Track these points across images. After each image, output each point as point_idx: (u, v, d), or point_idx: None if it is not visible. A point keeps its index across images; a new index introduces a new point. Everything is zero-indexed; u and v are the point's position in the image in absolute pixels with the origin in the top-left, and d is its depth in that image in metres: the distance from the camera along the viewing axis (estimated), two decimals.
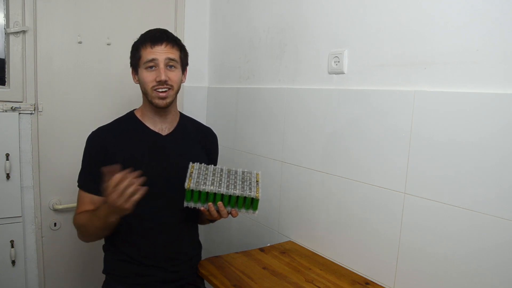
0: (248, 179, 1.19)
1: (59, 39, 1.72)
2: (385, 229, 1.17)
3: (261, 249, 1.43)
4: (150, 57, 1.21)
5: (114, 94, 1.88)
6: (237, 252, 1.40)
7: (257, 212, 1.16)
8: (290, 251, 1.43)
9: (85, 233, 1.23)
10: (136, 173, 1.03)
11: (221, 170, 1.20)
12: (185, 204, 1.15)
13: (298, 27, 1.51)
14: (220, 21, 2.04)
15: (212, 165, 1.21)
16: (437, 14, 1.03)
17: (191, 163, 1.19)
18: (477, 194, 0.94)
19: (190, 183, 1.12)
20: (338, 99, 1.32)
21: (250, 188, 1.15)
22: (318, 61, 1.41)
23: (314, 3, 1.43)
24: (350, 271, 1.28)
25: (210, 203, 1.14)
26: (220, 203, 1.14)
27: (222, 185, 1.14)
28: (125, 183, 1.00)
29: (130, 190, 1.01)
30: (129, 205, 1.03)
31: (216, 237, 2.02)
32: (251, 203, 1.15)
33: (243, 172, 1.21)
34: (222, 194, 1.13)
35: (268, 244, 1.51)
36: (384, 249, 1.17)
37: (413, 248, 1.09)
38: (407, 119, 1.10)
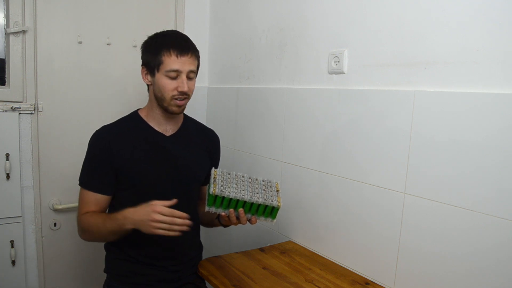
0: (268, 188, 1.21)
1: (59, 39, 1.72)
2: (385, 229, 1.17)
3: (261, 249, 1.43)
4: (174, 67, 1.19)
5: (114, 94, 1.88)
6: (237, 252, 1.40)
7: (275, 220, 1.19)
8: (290, 251, 1.43)
9: (94, 234, 1.21)
10: (185, 215, 1.09)
11: (243, 176, 1.21)
12: (207, 208, 1.16)
13: (298, 27, 1.51)
14: (220, 21, 2.04)
15: (234, 172, 1.22)
16: (437, 14, 1.03)
17: (213, 168, 1.20)
18: (477, 194, 0.94)
19: (215, 189, 1.12)
20: (338, 99, 1.32)
21: (271, 197, 1.17)
22: (318, 61, 1.41)
23: (314, 3, 1.43)
24: (350, 271, 1.28)
25: (231, 210, 1.15)
26: (241, 210, 1.15)
27: (246, 192, 1.15)
28: (176, 218, 1.07)
29: (170, 228, 1.07)
30: (158, 232, 1.07)
31: (216, 237, 2.02)
32: (271, 211, 1.17)
33: (263, 180, 1.23)
34: (245, 202, 1.14)
35: (268, 244, 1.51)
36: (384, 249, 1.17)
37: (413, 248, 1.09)
38: (407, 119, 1.10)
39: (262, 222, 1.21)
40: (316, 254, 1.42)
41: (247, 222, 1.19)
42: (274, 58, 1.63)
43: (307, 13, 1.46)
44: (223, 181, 1.17)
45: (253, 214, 1.18)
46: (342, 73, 1.32)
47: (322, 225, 1.40)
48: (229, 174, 1.21)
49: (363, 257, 1.25)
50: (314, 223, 1.44)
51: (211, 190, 1.13)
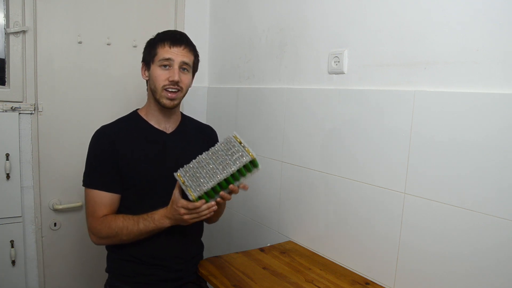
0: (232, 148, 1.13)
1: (59, 39, 1.72)
2: (385, 229, 1.17)
3: (261, 249, 1.43)
4: (167, 56, 1.23)
5: (114, 94, 1.88)
6: (237, 252, 1.40)
7: (259, 167, 1.13)
8: (290, 251, 1.43)
9: (119, 237, 1.19)
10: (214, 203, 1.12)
11: (204, 158, 1.14)
12: None
13: (298, 27, 1.51)
14: (220, 21, 2.04)
15: (193, 160, 1.15)
16: (437, 14, 1.03)
17: (174, 173, 1.14)
18: (477, 194, 0.94)
19: (192, 193, 1.08)
20: (338, 99, 1.32)
21: (241, 155, 1.10)
22: (318, 61, 1.41)
23: (314, 3, 1.43)
24: (350, 271, 1.28)
25: (221, 192, 1.11)
26: (231, 186, 1.11)
27: (218, 171, 1.10)
28: (205, 211, 1.11)
29: (199, 215, 1.12)
30: (193, 221, 1.14)
31: (216, 237, 2.02)
32: (252, 165, 1.12)
33: (221, 144, 1.16)
34: (225, 179, 1.10)
35: (268, 244, 1.51)
36: (384, 249, 1.17)
37: (413, 248, 1.09)
38: (407, 119, 1.10)
39: (251, 178, 1.15)
40: (316, 254, 1.42)
41: (240, 190, 1.16)
42: (274, 58, 1.63)
43: (307, 13, 1.46)
44: (192, 178, 1.11)
45: (238, 180, 1.12)
46: (342, 73, 1.32)
47: (322, 225, 1.40)
48: (190, 166, 1.14)
49: (363, 257, 1.25)
50: (314, 223, 1.44)
51: (190, 197, 1.08)
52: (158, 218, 1.17)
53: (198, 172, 1.12)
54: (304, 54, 1.48)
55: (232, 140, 1.14)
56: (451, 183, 0.99)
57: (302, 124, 1.48)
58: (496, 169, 0.91)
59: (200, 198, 1.10)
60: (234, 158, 1.11)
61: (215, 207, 1.12)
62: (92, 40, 1.80)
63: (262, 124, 1.70)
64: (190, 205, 1.10)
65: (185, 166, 1.14)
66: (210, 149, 1.15)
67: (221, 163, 1.11)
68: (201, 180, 1.09)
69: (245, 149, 1.11)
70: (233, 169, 1.09)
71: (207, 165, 1.12)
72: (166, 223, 1.17)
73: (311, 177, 1.44)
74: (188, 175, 1.12)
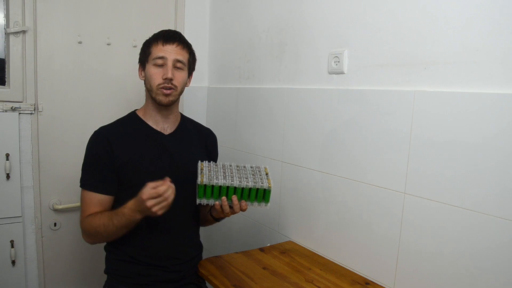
0: (257, 173, 1.21)
1: (59, 39, 1.72)
2: (385, 229, 1.17)
3: (261, 249, 1.43)
4: (160, 54, 1.23)
5: (114, 94, 1.88)
6: (237, 252, 1.40)
7: (269, 204, 1.19)
8: (290, 251, 1.43)
9: (101, 234, 1.18)
10: (170, 183, 1.07)
11: (230, 166, 1.23)
12: (198, 201, 1.16)
13: (298, 27, 1.51)
14: (220, 21, 2.04)
15: (221, 162, 1.23)
16: (437, 14, 1.03)
17: (199, 161, 1.21)
18: (477, 194, 0.94)
19: (202, 179, 1.13)
20: (338, 99, 1.32)
21: (261, 180, 1.17)
22: (318, 61, 1.41)
23: (314, 3, 1.43)
24: (350, 271, 1.28)
25: (223, 197, 1.15)
26: (234, 197, 1.15)
27: (234, 179, 1.16)
28: (164, 192, 1.04)
29: (167, 201, 1.06)
30: (161, 212, 1.07)
31: (216, 237, 2.02)
32: (263, 195, 1.17)
33: (251, 167, 1.24)
34: (235, 188, 1.14)
35: (268, 244, 1.51)
36: (384, 249, 1.17)
37: (413, 248, 1.09)
38: (407, 119, 1.10)
39: (256, 208, 1.20)
40: (316, 254, 1.42)
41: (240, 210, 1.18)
42: (274, 58, 1.63)
43: (307, 13, 1.46)
44: (210, 172, 1.17)
45: (245, 200, 1.17)
46: (342, 73, 1.32)
47: (322, 225, 1.40)
48: (216, 165, 1.22)
49: (363, 257, 1.25)
50: (314, 223, 1.44)
51: (199, 180, 1.13)
52: (128, 212, 1.12)
53: (218, 171, 1.19)
54: (304, 54, 1.48)
55: (262, 169, 1.23)
56: (451, 183, 0.99)
57: (302, 124, 1.48)
58: (496, 169, 0.91)
59: (205, 187, 1.14)
60: (254, 178, 1.18)
61: (172, 186, 1.06)
62: (92, 40, 1.80)
63: (262, 124, 1.70)
64: (156, 192, 1.04)
65: (211, 162, 1.23)
66: (240, 164, 1.24)
67: (241, 177, 1.18)
68: (215, 176, 1.16)
69: (267, 179, 1.19)
70: (248, 185, 1.15)
71: (228, 172, 1.20)
72: (137, 216, 1.11)
73: (311, 177, 1.44)
74: (209, 168, 1.20)
